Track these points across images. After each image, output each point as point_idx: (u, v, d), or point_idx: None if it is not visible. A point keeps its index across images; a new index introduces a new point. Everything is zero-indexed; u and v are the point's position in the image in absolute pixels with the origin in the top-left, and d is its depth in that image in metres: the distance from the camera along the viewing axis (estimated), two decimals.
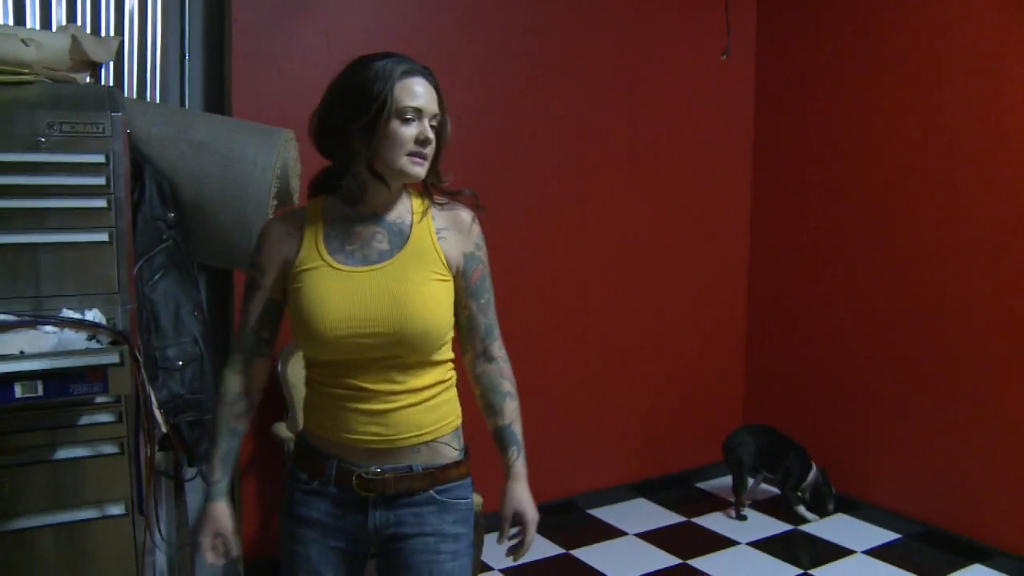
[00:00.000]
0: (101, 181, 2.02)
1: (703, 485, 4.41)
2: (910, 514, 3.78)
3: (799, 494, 4.00)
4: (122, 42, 2.92)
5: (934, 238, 3.63)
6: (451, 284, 1.70)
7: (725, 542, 3.76)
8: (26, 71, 2.06)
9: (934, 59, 3.58)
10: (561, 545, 3.71)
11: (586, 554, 3.65)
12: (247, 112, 3.06)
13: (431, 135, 1.61)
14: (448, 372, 1.72)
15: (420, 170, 1.62)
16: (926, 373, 3.68)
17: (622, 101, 3.99)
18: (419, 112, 1.59)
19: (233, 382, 1.72)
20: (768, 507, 4.12)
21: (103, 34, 2.91)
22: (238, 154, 2.57)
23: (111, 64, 2.90)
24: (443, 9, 3.53)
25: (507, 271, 3.75)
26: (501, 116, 3.69)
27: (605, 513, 4.07)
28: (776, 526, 3.92)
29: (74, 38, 2.30)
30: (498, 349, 1.82)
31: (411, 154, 1.59)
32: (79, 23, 2.87)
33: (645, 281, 4.17)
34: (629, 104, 4.01)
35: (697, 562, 3.56)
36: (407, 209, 1.71)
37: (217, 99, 3.19)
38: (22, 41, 2.06)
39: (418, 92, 1.60)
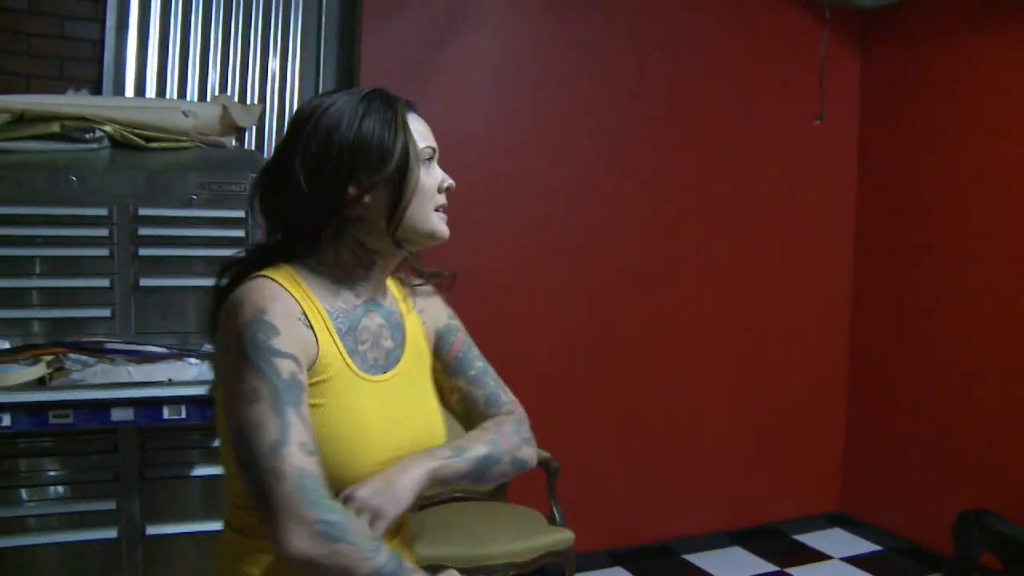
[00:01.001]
0: (241, 234, 2.34)
1: (801, 537, 4.42)
2: None
3: None
4: (264, 107, 3.28)
5: None
6: None
7: None
8: (185, 138, 2.41)
9: None
10: None
11: None
12: None
13: (452, 181, 1.31)
14: None
15: (447, 228, 1.30)
16: None
17: (724, 162, 4.13)
18: (434, 153, 1.30)
19: (359, 527, 1.13)
20: (862, 561, 4.10)
21: (249, 98, 3.29)
22: None
23: (254, 127, 3.27)
24: (556, 79, 3.77)
25: (614, 322, 3.95)
26: (608, 178, 3.90)
27: (700, 559, 4.14)
28: None
29: (224, 107, 2.64)
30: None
31: (438, 208, 1.29)
32: (229, 89, 3.25)
33: (746, 333, 4.25)
34: (731, 164, 4.14)
35: None
36: (391, 292, 1.36)
37: None
38: (183, 113, 2.41)
39: (426, 130, 1.31)
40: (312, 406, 1.16)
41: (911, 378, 4.19)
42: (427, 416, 1.30)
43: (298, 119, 1.26)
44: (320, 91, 3.42)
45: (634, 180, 3.95)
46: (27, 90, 2.71)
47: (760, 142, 4.21)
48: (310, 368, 1.18)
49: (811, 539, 4.40)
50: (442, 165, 1.33)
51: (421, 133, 1.28)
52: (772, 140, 4.23)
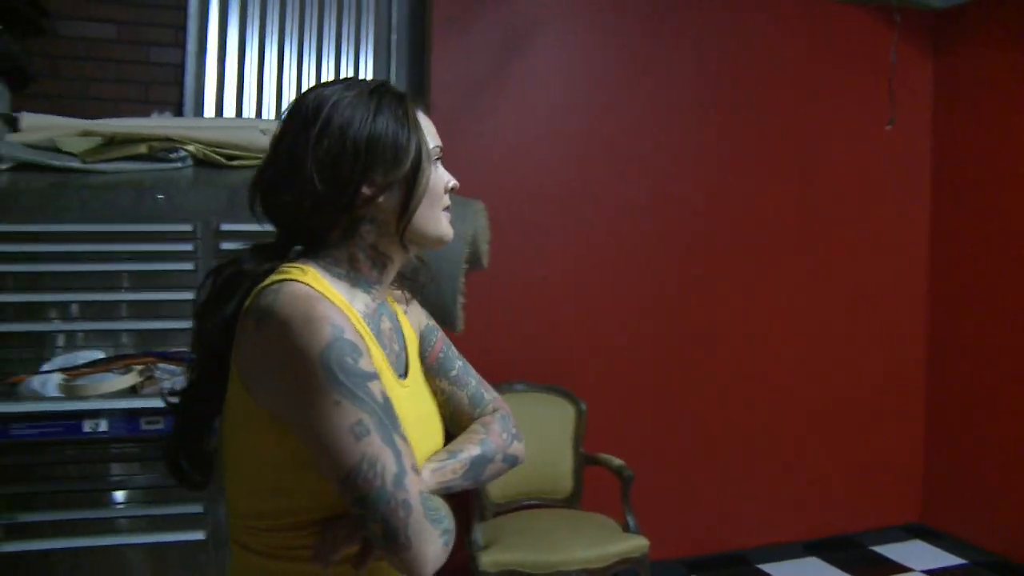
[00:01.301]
0: None
1: (879, 548, 4.33)
2: None
3: None
4: None
5: None
6: None
7: None
8: (263, 155, 2.49)
9: None
10: None
11: None
12: None
13: (456, 181, 1.28)
14: None
15: (452, 231, 1.28)
16: None
17: (794, 169, 4.10)
18: (441, 153, 1.26)
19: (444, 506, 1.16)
20: (944, 575, 4.00)
21: None
22: None
23: None
24: (622, 90, 3.80)
25: (687, 331, 3.96)
26: (676, 187, 3.91)
27: (775, 569, 4.09)
28: None
29: None
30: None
31: (445, 209, 1.26)
32: None
33: (819, 342, 4.21)
34: (801, 170, 4.11)
35: None
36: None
37: None
38: (260, 131, 2.50)
39: (432, 128, 1.26)
40: None
41: (991, 384, 4.09)
42: (437, 419, 1.30)
43: (302, 113, 1.18)
44: None
45: (702, 189, 3.95)
46: (115, 114, 2.84)
47: (830, 148, 4.17)
48: None
49: (890, 550, 4.31)
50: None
51: (429, 131, 1.24)
52: (843, 146, 4.19)
